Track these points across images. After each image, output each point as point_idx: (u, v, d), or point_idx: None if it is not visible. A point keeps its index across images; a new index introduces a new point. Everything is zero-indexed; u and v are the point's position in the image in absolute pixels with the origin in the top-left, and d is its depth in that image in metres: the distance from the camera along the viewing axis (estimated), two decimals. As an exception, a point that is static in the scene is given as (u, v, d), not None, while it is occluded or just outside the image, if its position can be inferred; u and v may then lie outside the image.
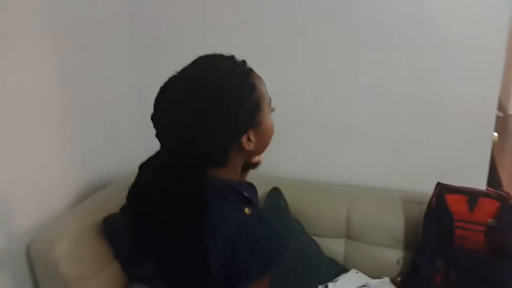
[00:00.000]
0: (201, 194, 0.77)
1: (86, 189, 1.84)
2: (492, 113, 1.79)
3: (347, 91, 1.94)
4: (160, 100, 0.81)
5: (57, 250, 1.47)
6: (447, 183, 1.72)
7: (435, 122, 1.86)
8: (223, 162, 0.83)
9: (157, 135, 0.82)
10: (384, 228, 1.82)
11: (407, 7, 1.76)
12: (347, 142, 2.01)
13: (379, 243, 1.83)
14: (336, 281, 1.75)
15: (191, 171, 0.78)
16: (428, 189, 1.73)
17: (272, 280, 0.81)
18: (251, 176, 1.99)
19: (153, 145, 0.87)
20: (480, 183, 1.85)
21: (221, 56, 0.84)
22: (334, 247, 1.88)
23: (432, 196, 1.70)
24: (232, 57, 0.85)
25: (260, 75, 0.89)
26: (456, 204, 1.67)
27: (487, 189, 1.84)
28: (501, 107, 1.88)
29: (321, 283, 1.74)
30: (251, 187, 0.93)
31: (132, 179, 0.87)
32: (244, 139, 0.81)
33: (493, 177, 2.12)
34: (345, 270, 1.82)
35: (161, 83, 0.82)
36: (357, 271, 1.81)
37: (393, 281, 1.77)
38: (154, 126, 0.82)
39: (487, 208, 1.65)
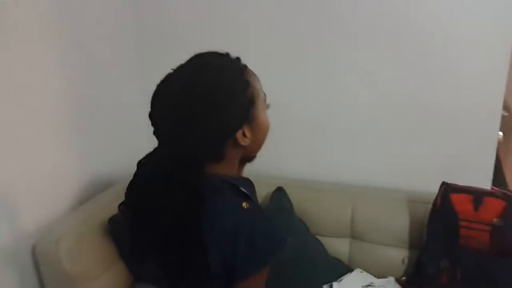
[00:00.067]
0: (198, 190, 0.79)
1: (90, 189, 1.84)
2: (497, 112, 1.78)
3: (352, 90, 1.93)
4: (156, 98, 0.83)
5: (62, 250, 1.48)
6: (452, 182, 1.71)
7: (440, 122, 1.85)
8: (219, 157, 0.84)
9: (154, 133, 0.84)
10: (389, 228, 1.82)
11: (411, 6, 1.75)
12: (351, 142, 2.01)
13: (383, 243, 1.83)
14: (340, 280, 1.75)
15: (188, 167, 0.80)
16: (433, 188, 1.72)
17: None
18: (256, 176, 2.00)
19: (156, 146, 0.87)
20: (485, 182, 1.85)
21: (215, 54, 0.86)
22: (338, 247, 1.88)
23: (437, 196, 1.70)
24: (227, 54, 0.86)
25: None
26: (461, 203, 1.67)
27: (492, 188, 1.84)
28: (506, 106, 1.87)
29: (325, 283, 1.74)
30: (248, 182, 0.94)
31: (134, 178, 0.88)
32: (239, 134, 0.83)
33: (498, 176, 2.11)
34: (349, 269, 1.82)
35: None
36: (361, 270, 1.81)
37: (398, 280, 1.77)
38: (152, 124, 0.84)
39: (493, 208, 1.65)
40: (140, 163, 0.87)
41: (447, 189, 1.69)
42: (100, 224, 1.62)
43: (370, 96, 1.92)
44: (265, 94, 0.90)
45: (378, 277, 1.78)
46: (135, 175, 0.87)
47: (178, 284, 0.87)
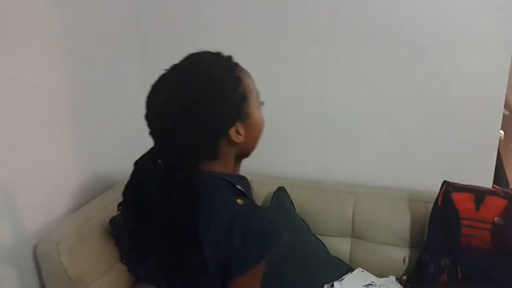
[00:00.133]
0: (193, 187, 0.79)
1: (92, 190, 1.84)
2: (498, 111, 1.78)
3: (352, 91, 1.93)
4: (150, 98, 0.84)
5: (63, 251, 1.47)
6: (454, 181, 1.71)
7: (441, 121, 1.85)
8: (214, 155, 0.85)
9: (150, 133, 0.85)
10: (390, 227, 1.82)
11: (413, 5, 1.75)
12: (352, 141, 2.01)
13: (385, 242, 1.83)
14: (342, 280, 1.75)
15: (182, 165, 0.80)
16: (435, 187, 1.72)
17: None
18: (258, 176, 2.01)
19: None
20: (486, 181, 1.85)
21: (206, 53, 0.86)
22: (340, 246, 1.88)
23: (439, 195, 1.70)
24: (218, 53, 0.87)
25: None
26: (463, 202, 1.67)
27: (493, 187, 1.83)
28: (507, 105, 1.87)
29: (327, 282, 1.74)
30: (243, 179, 0.94)
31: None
32: (232, 131, 0.83)
33: (499, 175, 2.11)
34: (351, 269, 1.82)
35: None
36: (363, 270, 1.81)
37: (399, 279, 1.77)
38: (147, 124, 0.84)
39: (494, 206, 1.65)
40: (136, 163, 0.88)
41: (448, 188, 1.69)
42: (101, 225, 1.62)
43: (372, 95, 1.91)
44: (258, 91, 0.90)
45: (379, 276, 1.78)
46: (132, 175, 0.88)
47: (175, 283, 0.87)
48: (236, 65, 0.86)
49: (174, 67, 0.84)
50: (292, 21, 1.91)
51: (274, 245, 0.80)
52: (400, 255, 1.81)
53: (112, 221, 1.63)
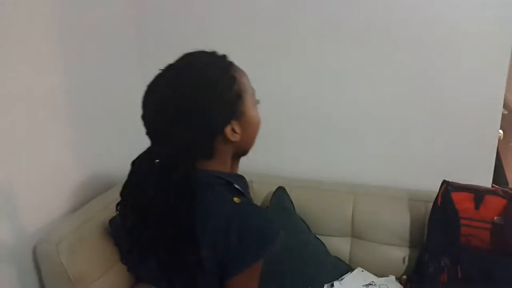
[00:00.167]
0: (189, 186, 0.79)
1: (92, 190, 1.84)
2: (497, 110, 1.78)
3: (352, 91, 1.94)
4: (146, 98, 0.84)
5: (63, 251, 1.47)
6: (453, 181, 1.71)
7: (440, 120, 1.85)
8: (210, 154, 0.85)
9: (147, 133, 0.85)
10: (389, 227, 1.82)
11: (411, 5, 1.75)
12: (352, 141, 2.01)
13: (384, 242, 1.83)
14: (342, 280, 1.75)
15: (179, 164, 0.80)
16: (434, 187, 1.72)
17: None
18: (257, 176, 2.01)
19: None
20: (485, 180, 1.85)
21: (201, 52, 0.86)
22: (339, 246, 1.88)
23: (438, 194, 1.70)
24: (213, 52, 0.87)
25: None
26: (462, 202, 1.67)
27: (492, 186, 1.84)
28: (505, 105, 1.87)
29: (327, 282, 1.74)
30: (241, 178, 0.94)
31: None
32: (227, 130, 0.83)
33: (499, 174, 2.11)
34: (350, 269, 1.82)
35: None
36: (362, 269, 1.81)
37: (398, 279, 1.77)
38: (144, 125, 0.84)
39: (493, 206, 1.65)
40: (133, 163, 0.88)
41: (447, 187, 1.70)
42: (100, 225, 1.61)
43: (371, 95, 1.92)
44: (253, 90, 0.90)
45: (379, 276, 1.78)
46: (129, 175, 0.88)
47: (174, 282, 0.87)
48: (231, 64, 0.87)
49: (169, 67, 0.84)
50: (291, 20, 1.91)
51: (271, 243, 0.80)
52: (400, 254, 1.81)
53: (112, 221, 1.62)
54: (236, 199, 0.82)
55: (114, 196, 1.71)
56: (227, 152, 0.88)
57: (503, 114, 1.83)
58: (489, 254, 1.63)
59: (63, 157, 1.72)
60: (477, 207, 1.66)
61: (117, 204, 0.90)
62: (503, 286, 1.58)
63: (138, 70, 2.06)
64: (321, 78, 1.96)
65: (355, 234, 1.88)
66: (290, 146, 2.10)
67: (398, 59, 1.83)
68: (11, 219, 1.49)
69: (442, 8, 1.72)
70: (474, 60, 1.74)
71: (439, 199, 1.69)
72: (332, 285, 1.73)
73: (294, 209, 1.89)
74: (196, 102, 0.79)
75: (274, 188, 1.93)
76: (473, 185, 1.70)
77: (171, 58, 0.86)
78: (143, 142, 0.88)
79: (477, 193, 1.67)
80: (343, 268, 1.81)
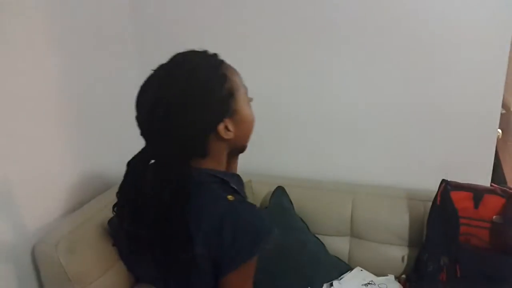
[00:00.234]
0: (184, 185, 0.80)
1: (90, 190, 1.84)
2: (496, 110, 1.79)
3: (351, 89, 1.94)
4: (139, 99, 0.85)
5: (62, 251, 1.47)
6: (452, 180, 1.71)
7: (440, 119, 1.86)
8: (204, 152, 0.85)
9: (141, 134, 0.85)
10: (388, 226, 1.82)
11: (410, 5, 1.75)
12: (351, 140, 2.01)
13: (383, 241, 1.84)
14: (341, 279, 1.75)
15: (173, 163, 0.82)
16: (433, 186, 1.72)
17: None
18: (257, 176, 2.01)
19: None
20: (484, 179, 1.85)
21: (192, 52, 0.87)
22: (338, 246, 1.88)
23: (437, 193, 1.70)
24: (204, 51, 0.87)
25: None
26: (461, 201, 1.67)
27: (491, 185, 1.84)
28: (504, 104, 1.88)
29: (326, 282, 1.74)
30: (236, 176, 0.95)
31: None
32: (220, 128, 0.83)
33: (497, 173, 2.12)
34: (350, 268, 1.82)
35: None
36: (361, 269, 1.81)
37: (398, 278, 1.77)
38: (138, 125, 0.85)
39: (492, 205, 1.65)
40: (129, 163, 0.88)
41: (447, 186, 1.70)
42: (99, 225, 1.61)
43: (370, 94, 1.92)
44: (246, 88, 0.90)
45: (378, 275, 1.78)
46: (125, 175, 0.88)
47: (170, 281, 0.88)
48: (221, 62, 0.87)
49: (160, 67, 0.85)
50: (291, 20, 1.91)
51: (264, 241, 0.80)
52: (399, 254, 1.81)
53: (111, 221, 1.62)
54: (230, 197, 0.83)
55: (113, 196, 1.70)
56: (221, 150, 0.89)
57: (501, 114, 1.83)
58: (488, 253, 1.63)
59: (62, 157, 1.71)
60: (476, 206, 1.66)
61: (114, 205, 0.90)
62: (502, 285, 1.58)
63: (136, 70, 2.06)
64: (320, 78, 1.96)
65: (354, 234, 1.88)
66: (290, 146, 2.10)
67: (397, 59, 1.83)
68: (10, 220, 1.48)
69: (441, 8, 1.72)
70: (473, 60, 1.74)
71: (438, 198, 1.70)
72: (331, 284, 1.73)
73: (293, 208, 1.89)
74: (187, 101, 0.80)
75: (273, 188, 1.93)
76: (472, 184, 1.70)
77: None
78: (142, 142, 0.88)
79: (476, 192, 1.67)
80: (342, 268, 1.81)
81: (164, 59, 0.87)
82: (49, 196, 1.65)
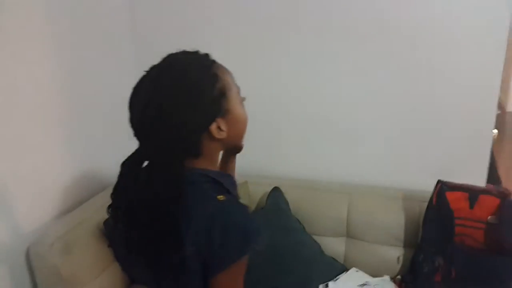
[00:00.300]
0: (176, 185, 0.80)
1: (86, 191, 1.83)
2: (492, 110, 1.79)
3: (346, 90, 1.94)
4: (132, 100, 0.85)
5: (57, 252, 1.46)
6: (448, 180, 1.72)
7: (435, 120, 1.86)
8: (197, 152, 0.85)
9: (134, 135, 0.85)
10: (384, 227, 1.83)
11: (406, 6, 1.76)
12: (347, 141, 2.01)
13: (379, 242, 1.84)
14: (336, 280, 1.75)
15: (166, 164, 0.81)
16: (429, 186, 1.73)
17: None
18: (253, 176, 2.01)
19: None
20: (480, 180, 1.86)
21: (183, 52, 0.87)
22: (334, 246, 1.88)
23: (433, 194, 1.71)
24: (195, 52, 0.87)
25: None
26: (457, 201, 1.67)
27: (487, 186, 1.84)
28: (499, 105, 1.88)
29: (321, 282, 1.74)
30: (228, 177, 0.95)
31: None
32: (213, 128, 0.83)
33: (492, 174, 2.12)
34: (345, 269, 1.82)
35: None
36: (357, 269, 1.81)
37: (393, 279, 1.77)
38: (131, 126, 0.85)
39: (487, 205, 1.66)
40: (123, 164, 0.88)
41: (442, 187, 1.70)
42: (95, 226, 1.61)
43: (366, 95, 1.92)
44: (238, 87, 0.90)
45: (374, 276, 1.78)
46: (119, 176, 0.88)
47: (161, 282, 0.88)
48: (213, 62, 0.87)
49: (152, 68, 0.85)
50: (289, 20, 1.91)
51: (253, 242, 0.80)
52: (394, 254, 1.81)
53: (106, 222, 1.62)
54: (220, 197, 0.83)
55: (108, 198, 1.70)
56: (214, 150, 0.89)
57: (496, 114, 1.84)
58: (483, 254, 1.64)
59: (57, 158, 1.70)
60: (471, 206, 1.67)
61: (108, 206, 0.90)
62: (497, 285, 1.59)
63: (133, 70, 2.04)
64: (317, 79, 1.96)
65: (350, 234, 1.88)
66: (286, 146, 2.10)
67: (393, 61, 1.84)
68: (5, 220, 1.48)
69: (437, 9, 1.73)
70: (469, 61, 1.75)
71: (434, 199, 1.70)
72: (327, 285, 1.73)
73: (289, 209, 1.89)
74: (178, 101, 0.80)
75: (269, 189, 1.93)
76: (468, 185, 1.71)
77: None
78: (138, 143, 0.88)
79: (472, 193, 1.68)
80: (338, 268, 1.81)
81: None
82: (44, 197, 1.64)
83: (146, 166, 0.85)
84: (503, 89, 1.86)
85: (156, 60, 0.86)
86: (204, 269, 0.80)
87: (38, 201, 1.62)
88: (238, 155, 1.05)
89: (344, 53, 1.89)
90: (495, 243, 1.63)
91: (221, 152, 0.96)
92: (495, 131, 1.85)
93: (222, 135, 0.85)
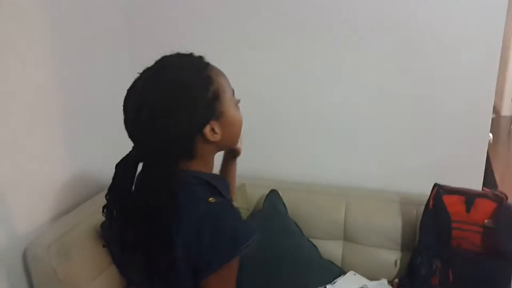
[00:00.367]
0: (169, 186, 0.80)
1: (83, 193, 1.82)
2: (488, 114, 1.81)
3: (344, 93, 1.94)
4: (125, 102, 0.85)
5: (54, 254, 1.45)
6: (444, 184, 1.73)
7: (432, 124, 1.87)
8: (191, 154, 0.85)
9: (129, 137, 0.85)
10: (381, 230, 1.83)
11: (404, 9, 1.77)
12: (345, 144, 2.02)
13: (376, 245, 1.84)
14: (334, 283, 1.75)
15: (160, 165, 0.82)
16: (426, 190, 1.73)
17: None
18: (250, 179, 2.01)
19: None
20: (476, 184, 1.87)
21: (177, 54, 0.87)
22: (332, 249, 1.88)
23: (430, 197, 1.71)
24: (189, 54, 0.87)
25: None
26: (453, 205, 1.68)
27: (483, 189, 1.85)
28: (493, 109, 1.89)
29: (319, 286, 1.74)
30: (222, 180, 0.96)
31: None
32: (207, 130, 0.84)
33: (488, 177, 2.13)
34: (343, 272, 1.82)
35: None
36: (355, 273, 1.81)
37: (391, 282, 1.77)
38: (125, 128, 0.85)
39: (484, 209, 1.66)
40: (117, 166, 0.88)
41: (439, 190, 1.70)
42: (92, 228, 1.60)
43: (362, 98, 1.93)
44: (233, 90, 0.90)
45: (371, 279, 1.78)
46: (113, 178, 0.88)
47: (154, 283, 0.88)
48: (207, 64, 0.87)
49: (146, 71, 0.85)
50: (283, 22, 1.91)
51: (243, 244, 0.80)
52: (392, 258, 1.81)
53: (103, 224, 1.61)
54: (211, 199, 0.83)
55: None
56: (208, 152, 0.89)
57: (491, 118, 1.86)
58: (480, 257, 1.64)
59: (54, 159, 1.70)
60: (468, 210, 1.67)
61: (103, 208, 0.90)
62: (493, 288, 1.60)
63: (129, 72, 2.04)
64: (314, 82, 1.96)
65: (347, 237, 1.89)
66: (283, 149, 2.10)
67: (389, 64, 1.85)
68: (2, 222, 1.47)
69: (433, 13, 1.74)
70: (465, 64, 1.76)
71: (431, 202, 1.70)
72: (325, 288, 1.73)
73: (287, 212, 1.89)
74: (171, 104, 0.80)
75: (267, 191, 1.93)
76: (464, 188, 1.71)
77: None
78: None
79: (468, 196, 1.68)
80: (335, 272, 1.81)
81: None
82: (41, 198, 1.64)
83: (137, 167, 0.86)
84: (498, 93, 1.87)
85: (152, 62, 0.86)
86: (195, 270, 0.80)
87: (35, 203, 1.61)
88: None
89: (342, 57, 1.89)
90: (492, 247, 1.63)
91: (221, 155, 0.96)
92: (491, 135, 1.86)
93: (216, 137, 0.85)
